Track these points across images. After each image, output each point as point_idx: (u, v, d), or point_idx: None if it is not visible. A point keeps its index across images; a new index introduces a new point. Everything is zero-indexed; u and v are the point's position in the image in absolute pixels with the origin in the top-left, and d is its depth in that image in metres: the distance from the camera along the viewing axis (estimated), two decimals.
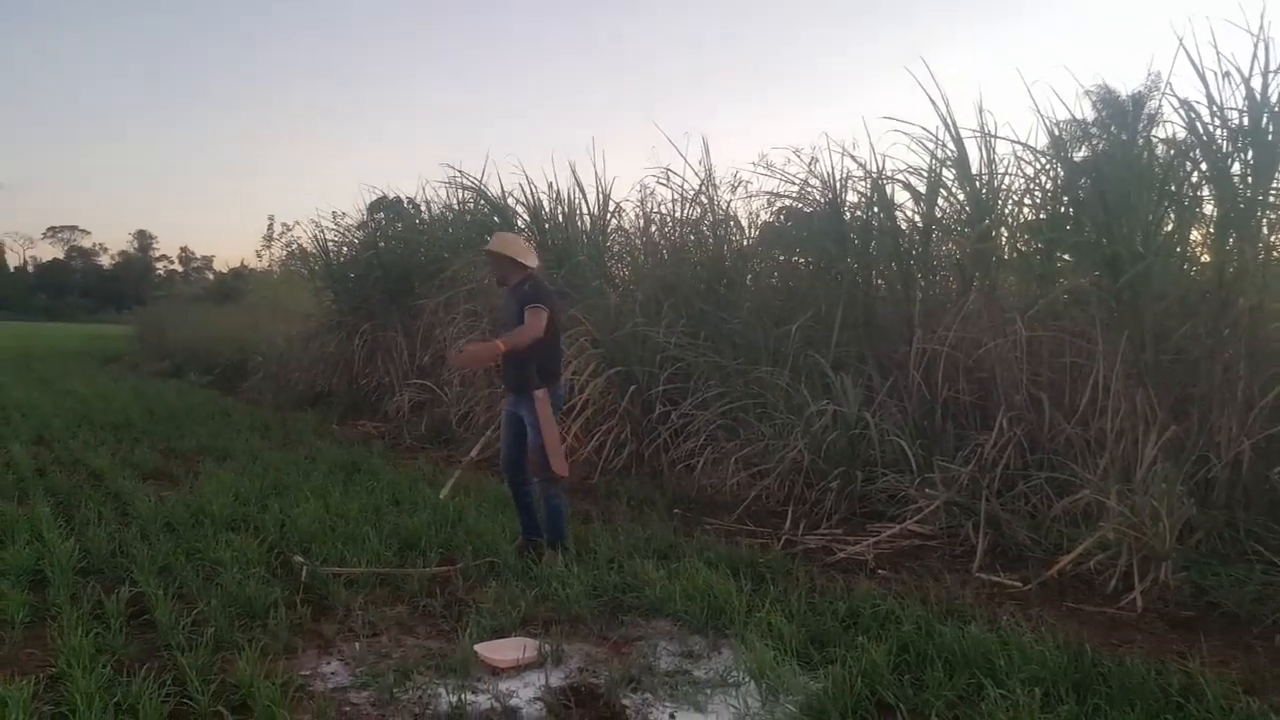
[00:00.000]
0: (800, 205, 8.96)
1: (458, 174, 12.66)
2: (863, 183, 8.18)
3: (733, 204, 10.11)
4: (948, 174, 7.64)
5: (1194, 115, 6.17)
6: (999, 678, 3.67)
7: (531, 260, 5.80)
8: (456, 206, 13.38)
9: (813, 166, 8.54)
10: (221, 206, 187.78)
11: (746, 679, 3.83)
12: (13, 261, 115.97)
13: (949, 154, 7.43)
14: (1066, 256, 7.16)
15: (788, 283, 9.24)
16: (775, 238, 9.54)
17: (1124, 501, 5.25)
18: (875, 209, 8.11)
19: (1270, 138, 5.86)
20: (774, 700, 3.64)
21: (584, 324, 9.16)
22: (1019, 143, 7.23)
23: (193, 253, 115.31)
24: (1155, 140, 6.89)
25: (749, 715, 3.55)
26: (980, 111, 7.35)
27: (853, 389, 6.98)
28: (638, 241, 11.02)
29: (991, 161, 7.36)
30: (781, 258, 9.52)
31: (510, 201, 11.95)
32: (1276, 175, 5.94)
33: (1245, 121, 5.98)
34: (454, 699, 3.64)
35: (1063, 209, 7.06)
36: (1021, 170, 7.39)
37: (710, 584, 4.81)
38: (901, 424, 6.87)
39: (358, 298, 14.23)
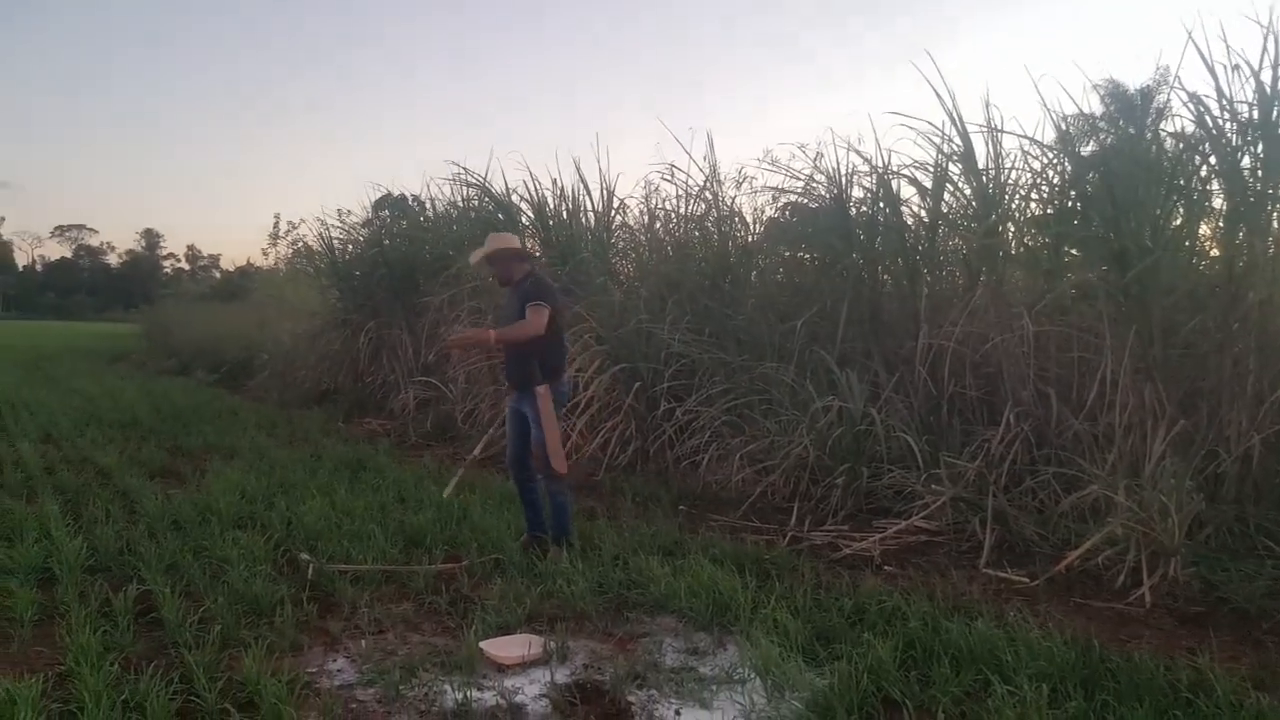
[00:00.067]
0: (805, 201, 8.93)
1: (462, 171, 12.68)
2: (868, 178, 8.16)
3: (737, 200, 10.07)
4: (954, 169, 7.60)
5: (1203, 109, 6.14)
6: (1006, 674, 3.66)
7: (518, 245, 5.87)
8: (461, 203, 13.38)
9: (818, 162, 8.52)
10: (228, 205, 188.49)
11: (752, 675, 3.82)
12: (21, 261, 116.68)
13: (955, 149, 7.41)
14: (1074, 251, 7.13)
15: (793, 279, 9.21)
16: (780, 233, 9.51)
17: (1132, 497, 5.23)
18: (881, 204, 8.08)
19: None
20: (779, 697, 3.63)
21: (588, 321, 9.14)
22: (1026, 137, 7.21)
23: (200, 251, 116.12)
24: (1164, 134, 6.86)
25: (754, 712, 3.54)
26: (987, 106, 7.32)
27: (858, 385, 6.96)
28: (642, 238, 11.01)
29: (998, 156, 7.33)
30: (786, 253, 9.50)
31: (514, 198, 11.96)
32: None
33: (1255, 115, 5.95)
34: (459, 696, 3.64)
35: (1070, 203, 7.03)
36: (1028, 165, 7.37)
37: (715, 580, 4.80)
38: (908, 420, 6.84)
39: (363, 295, 14.23)
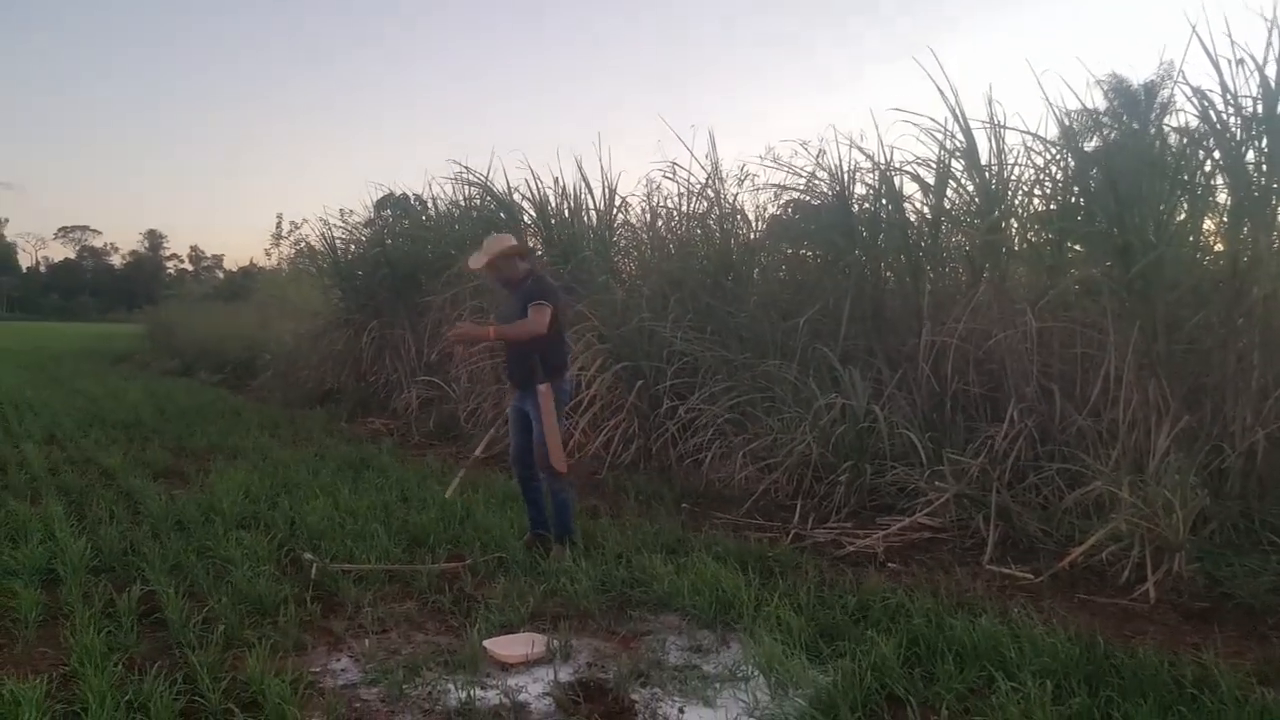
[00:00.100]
0: (807, 198, 8.92)
1: (463, 170, 12.67)
2: (871, 175, 8.15)
3: (739, 197, 10.04)
4: (957, 165, 7.60)
5: (1207, 103, 6.12)
6: (1010, 670, 3.65)
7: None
8: (463, 202, 13.36)
9: (820, 159, 8.51)
10: (231, 206, 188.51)
11: (755, 673, 3.82)
12: (25, 262, 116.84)
13: (958, 145, 7.40)
14: (1077, 247, 7.12)
15: (795, 276, 9.20)
16: (782, 231, 9.49)
17: (1136, 492, 5.22)
18: (883, 201, 8.07)
19: None
20: (783, 694, 3.62)
21: (591, 319, 9.14)
22: (1029, 133, 7.20)
23: (203, 252, 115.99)
24: (1168, 129, 6.85)
25: (758, 709, 3.53)
26: (989, 102, 7.31)
27: (861, 382, 6.96)
28: (644, 236, 11.00)
29: (1001, 152, 7.32)
30: (789, 251, 9.48)
31: (516, 197, 11.96)
32: None
33: (1259, 109, 5.93)
34: (463, 695, 3.64)
35: (1073, 199, 7.02)
36: (1031, 161, 7.36)
37: (719, 578, 4.80)
38: (911, 417, 6.84)
39: (365, 295, 14.24)
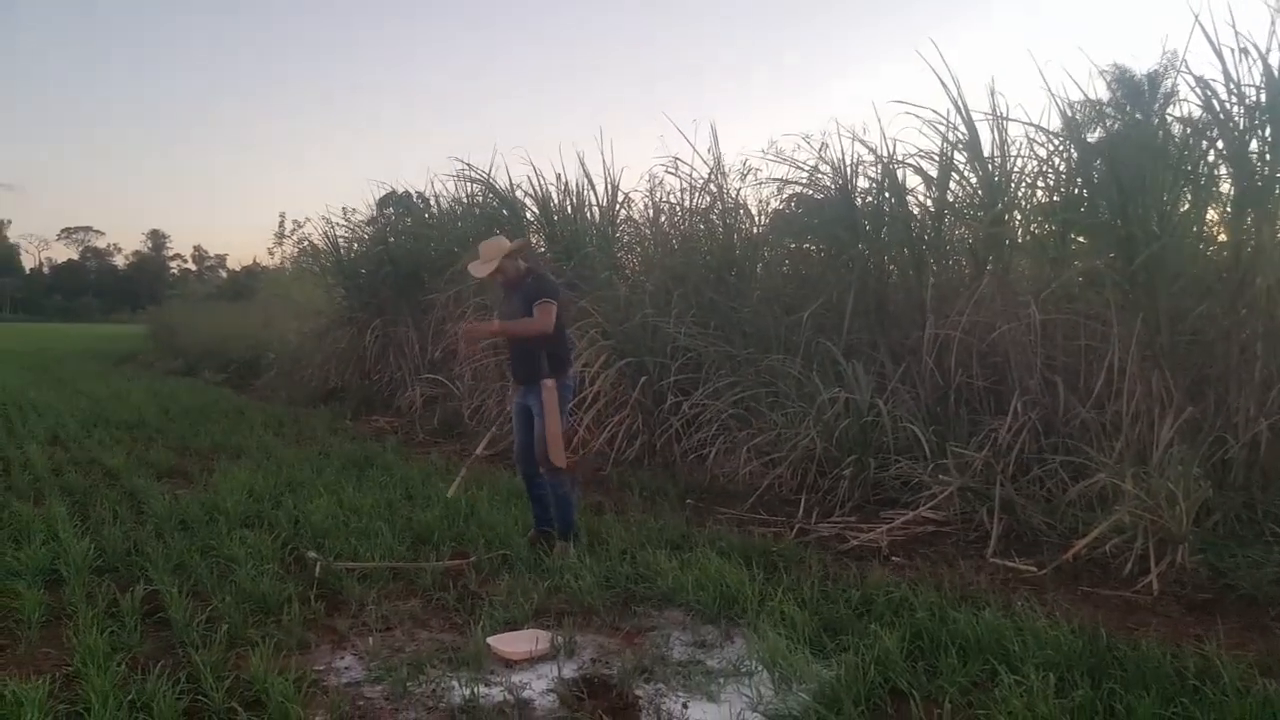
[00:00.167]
0: (810, 192, 8.91)
1: (466, 167, 12.67)
2: (873, 168, 8.13)
3: (742, 192, 10.09)
4: (959, 157, 7.58)
5: (1210, 93, 6.11)
6: (1013, 663, 3.65)
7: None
8: (465, 200, 13.37)
9: (823, 152, 8.51)
10: (234, 205, 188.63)
11: (759, 668, 3.82)
12: (28, 263, 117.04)
13: (960, 137, 7.38)
14: (1081, 239, 7.10)
15: (798, 270, 9.20)
16: (785, 225, 9.49)
17: (1140, 484, 5.21)
18: (886, 194, 8.05)
19: None
20: (787, 689, 3.62)
21: (594, 315, 9.13)
22: (1032, 124, 7.18)
23: (206, 251, 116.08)
24: (1171, 119, 6.84)
25: (761, 704, 3.53)
26: (992, 93, 7.30)
27: (865, 376, 6.95)
28: (647, 231, 11.00)
29: (1004, 144, 7.31)
30: (792, 245, 9.47)
31: (519, 194, 11.96)
32: None
33: (1263, 98, 5.91)
34: (467, 692, 3.63)
35: (1077, 190, 6.99)
36: (1034, 152, 7.34)
37: (723, 573, 4.80)
38: (914, 410, 6.83)
39: (368, 293, 14.26)
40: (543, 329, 5.50)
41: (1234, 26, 5.90)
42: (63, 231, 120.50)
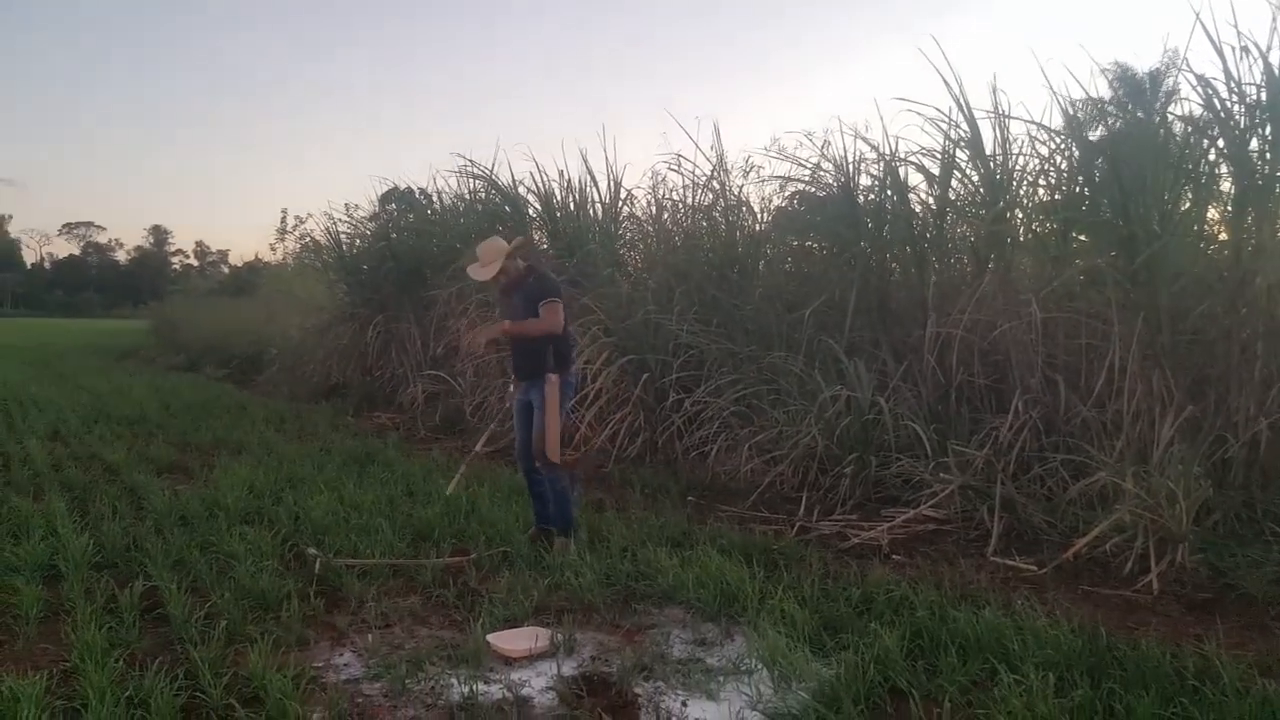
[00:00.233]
0: (813, 189, 8.91)
1: (468, 163, 12.67)
2: (876, 165, 8.13)
3: (745, 189, 10.07)
4: (961, 155, 7.58)
5: (1211, 91, 6.10)
6: (1013, 662, 3.64)
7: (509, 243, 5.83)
8: (468, 196, 13.37)
9: (825, 150, 8.50)
10: (237, 200, 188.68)
11: (759, 666, 3.81)
12: (29, 259, 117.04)
13: (962, 135, 7.38)
14: (1082, 237, 7.10)
15: (801, 268, 9.20)
16: (788, 222, 9.49)
17: (1140, 483, 5.20)
18: (888, 192, 8.05)
19: None
20: (786, 688, 3.62)
21: (596, 312, 9.13)
22: (1033, 122, 7.17)
23: (208, 247, 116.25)
24: (1172, 118, 6.82)
25: (761, 703, 3.52)
26: (994, 91, 7.30)
27: (866, 374, 6.94)
28: (649, 228, 11.00)
29: (1006, 142, 7.31)
30: (794, 243, 9.47)
31: (521, 190, 11.95)
32: None
33: (1263, 97, 5.90)
34: (466, 689, 3.63)
35: (1078, 189, 6.99)
36: (1036, 150, 7.34)
37: (723, 571, 4.79)
38: (916, 408, 6.82)
39: (370, 289, 14.26)
40: (551, 329, 5.52)
41: (1235, 25, 5.91)
42: (64, 227, 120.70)
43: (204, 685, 3.53)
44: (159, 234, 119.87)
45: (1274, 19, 5.78)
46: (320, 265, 17.04)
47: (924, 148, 7.79)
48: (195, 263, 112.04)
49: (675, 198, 10.62)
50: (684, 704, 3.56)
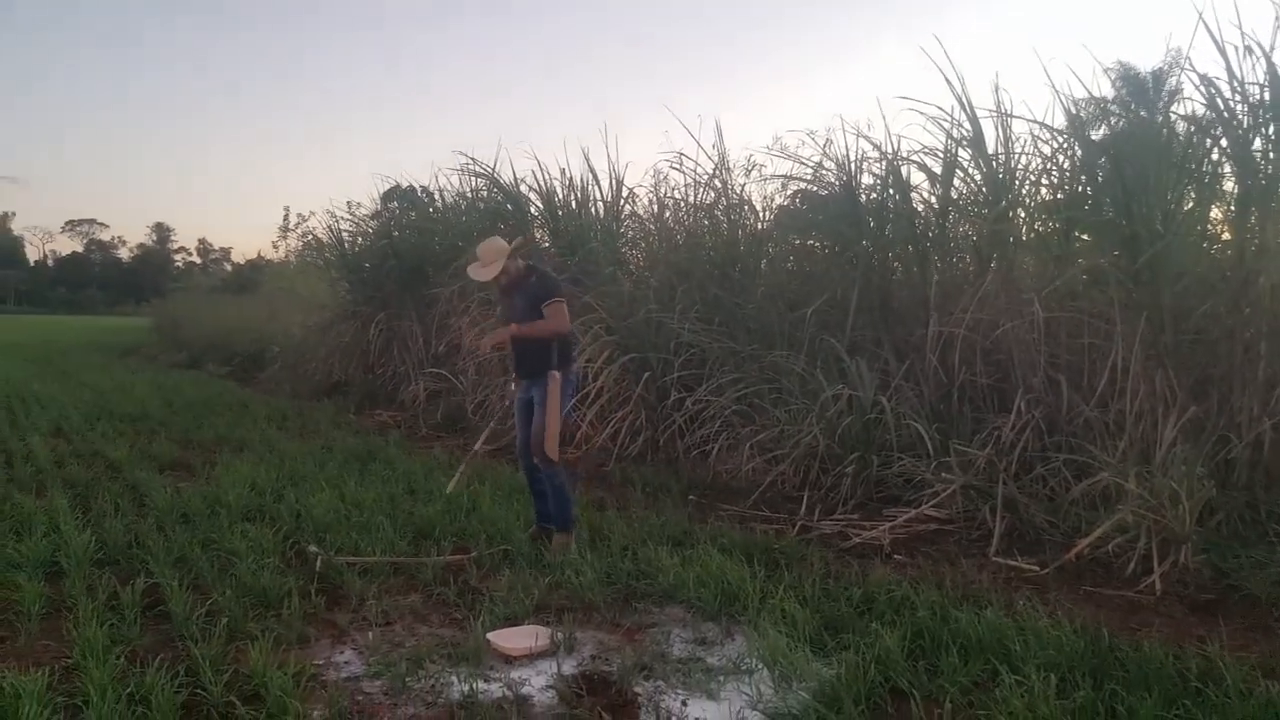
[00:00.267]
0: (815, 188, 8.90)
1: (470, 161, 12.67)
2: (878, 164, 8.12)
3: (747, 188, 10.04)
4: (964, 154, 7.56)
5: (1214, 91, 6.08)
6: (1014, 663, 3.63)
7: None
8: (470, 194, 13.37)
9: (827, 148, 8.48)
10: (240, 198, 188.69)
11: (759, 666, 3.81)
12: (32, 255, 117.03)
13: (965, 133, 7.36)
14: (1085, 236, 7.08)
15: (802, 267, 9.19)
16: (790, 221, 9.48)
17: (1143, 484, 5.19)
18: (891, 191, 8.04)
19: None
20: (787, 687, 3.61)
21: (598, 310, 9.12)
22: (1036, 121, 7.16)
23: (210, 244, 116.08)
24: (1175, 117, 6.81)
25: (761, 702, 3.52)
26: (996, 90, 7.31)
27: (868, 373, 6.93)
28: (651, 227, 10.99)
29: (1008, 141, 7.29)
30: (796, 241, 9.46)
31: (523, 189, 11.95)
32: None
33: (1267, 96, 5.89)
34: (466, 687, 3.63)
35: (1081, 188, 6.98)
36: (1038, 150, 7.33)
37: (724, 570, 4.79)
38: (918, 408, 6.82)
39: (373, 287, 14.27)
40: (558, 329, 5.53)
41: (1238, 24, 5.90)
42: (67, 224, 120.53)
43: (205, 682, 3.53)
44: (162, 231, 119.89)
45: (1277, 19, 5.77)
46: (322, 263, 17.04)
47: (926, 146, 7.80)
48: (198, 260, 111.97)
49: (677, 196, 10.64)
50: (684, 703, 3.56)
